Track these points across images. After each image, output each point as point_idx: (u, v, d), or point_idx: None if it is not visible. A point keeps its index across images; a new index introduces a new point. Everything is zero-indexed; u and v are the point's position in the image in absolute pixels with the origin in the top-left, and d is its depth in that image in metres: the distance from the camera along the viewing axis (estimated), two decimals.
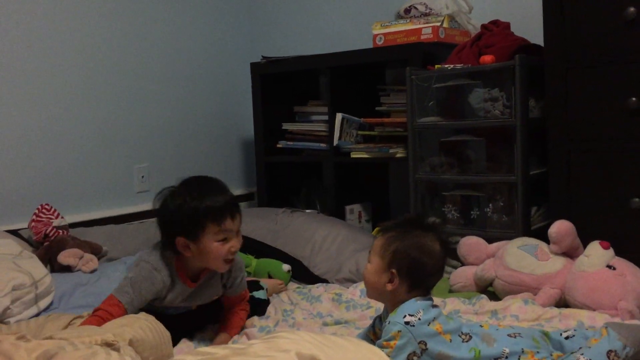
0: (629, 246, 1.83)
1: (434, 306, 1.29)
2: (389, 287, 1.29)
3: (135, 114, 2.83)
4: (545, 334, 1.31)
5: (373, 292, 1.34)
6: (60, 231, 2.23)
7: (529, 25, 2.31)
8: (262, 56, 2.94)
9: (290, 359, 0.91)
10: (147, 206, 2.83)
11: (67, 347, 1.05)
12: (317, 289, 2.04)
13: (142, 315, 1.33)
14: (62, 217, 2.30)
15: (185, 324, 1.63)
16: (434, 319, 1.25)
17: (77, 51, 2.61)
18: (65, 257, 2.08)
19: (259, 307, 1.81)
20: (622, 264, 1.71)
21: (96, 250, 2.22)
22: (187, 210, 1.49)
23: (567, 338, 1.29)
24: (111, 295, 1.50)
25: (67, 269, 2.07)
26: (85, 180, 2.64)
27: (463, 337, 1.25)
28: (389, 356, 1.21)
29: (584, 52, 1.94)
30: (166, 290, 1.55)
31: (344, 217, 2.69)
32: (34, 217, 2.26)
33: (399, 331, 1.22)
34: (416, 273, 1.29)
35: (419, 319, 1.24)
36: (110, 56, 2.73)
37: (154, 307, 1.56)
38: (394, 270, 1.28)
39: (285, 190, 2.99)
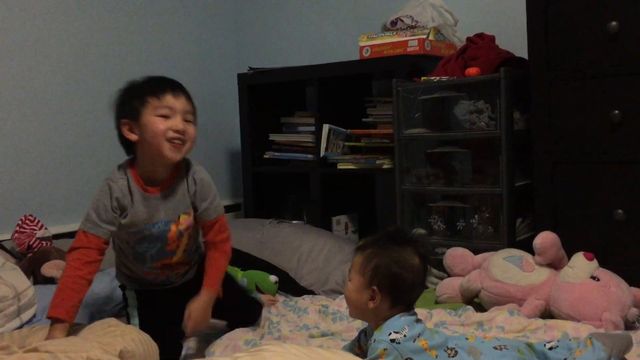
0: (613, 257, 1.85)
1: (418, 321, 1.29)
2: (371, 304, 1.28)
3: None
4: (530, 346, 1.31)
5: (355, 310, 1.33)
6: (44, 242, 2.21)
7: (514, 38, 2.34)
8: (249, 67, 2.94)
9: None
10: None
11: (61, 357, 1.04)
12: (304, 300, 2.04)
13: (135, 328, 1.31)
14: (45, 228, 2.27)
15: (173, 302, 1.59)
16: (419, 334, 1.25)
17: (61, 61, 2.60)
18: (49, 268, 2.05)
19: (253, 309, 1.78)
20: (606, 275, 1.72)
21: None
22: (128, 88, 1.53)
23: (550, 349, 1.30)
24: (79, 231, 1.50)
25: (51, 280, 2.04)
26: (69, 191, 2.62)
27: (449, 352, 1.25)
28: None
29: (567, 66, 1.96)
30: (127, 201, 1.52)
31: (331, 228, 2.68)
32: (17, 228, 2.23)
33: (385, 349, 1.22)
34: (397, 288, 1.28)
35: (405, 335, 1.23)
36: (96, 66, 2.72)
37: (128, 249, 1.56)
38: (375, 288, 1.28)
39: (272, 201, 2.98)
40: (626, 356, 1.28)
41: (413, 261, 1.30)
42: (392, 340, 1.22)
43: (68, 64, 2.62)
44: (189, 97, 1.55)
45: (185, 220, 1.60)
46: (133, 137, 1.52)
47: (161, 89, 1.49)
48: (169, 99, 1.49)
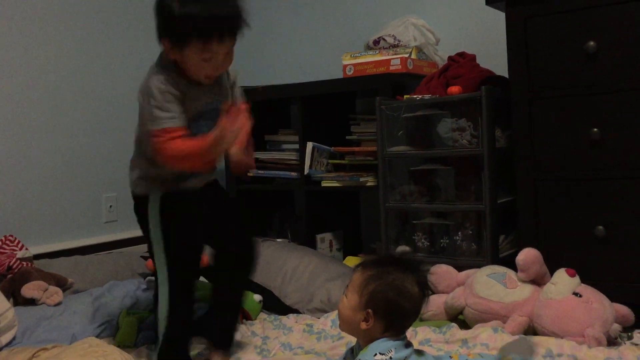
0: (595, 274, 1.87)
1: (407, 345, 1.28)
2: (364, 325, 1.27)
3: (104, 142, 2.80)
4: None
5: (346, 326, 1.32)
6: (24, 263, 2.18)
7: (495, 57, 2.37)
8: None
9: None
10: (115, 236, 2.79)
11: None
12: (288, 319, 2.02)
13: (117, 349, 1.28)
14: (26, 249, 2.24)
15: (195, 210, 1.58)
16: (405, 358, 1.24)
17: (42, 77, 2.58)
18: (29, 289, 2.02)
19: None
20: (588, 291, 1.73)
21: (61, 283, 2.17)
22: (176, 16, 1.41)
23: None
24: (158, 136, 1.45)
25: (31, 302, 2.01)
26: (50, 210, 2.59)
27: None
28: None
29: (547, 84, 1.99)
30: (183, 86, 1.49)
31: (315, 246, 2.68)
32: None
33: None
34: (392, 315, 1.27)
35: (390, 358, 1.23)
36: (78, 83, 2.70)
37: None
38: (369, 311, 1.27)
39: (256, 219, 2.97)
40: None
41: (413, 290, 1.28)
42: None
43: (49, 83, 2.60)
44: (235, 33, 1.49)
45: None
46: (172, 55, 1.48)
47: (208, 33, 1.42)
48: (214, 46, 1.44)
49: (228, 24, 1.46)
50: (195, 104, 1.53)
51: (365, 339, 1.29)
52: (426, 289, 1.31)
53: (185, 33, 1.42)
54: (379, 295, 1.27)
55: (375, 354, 1.23)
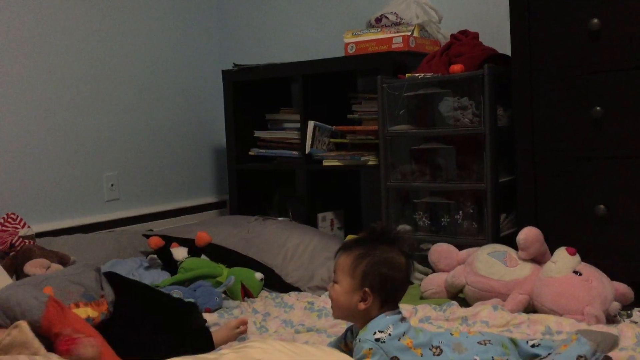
0: (595, 252, 1.88)
1: (403, 320, 1.30)
2: (362, 306, 1.28)
3: (105, 121, 2.79)
4: (513, 341, 1.33)
5: (343, 312, 1.33)
6: (27, 241, 2.18)
7: (497, 35, 2.35)
8: (234, 63, 2.93)
9: None
10: (116, 215, 2.80)
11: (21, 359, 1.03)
12: (290, 297, 2.04)
13: None
14: (28, 227, 2.25)
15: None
16: (404, 333, 1.25)
17: (44, 58, 2.57)
18: (32, 267, 2.03)
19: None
20: (588, 269, 1.74)
21: (64, 260, 2.18)
22: None
23: (532, 346, 1.31)
24: None
25: None
26: (52, 189, 2.59)
27: (434, 350, 1.26)
28: None
29: (550, 62, 1.98)
30: None
31: (316, 225, 2.69)
32: (0, 226, 2.21)
33: (370, 349, 1.22)
34: (387, 288, 1.29)
35: (389, 334, 1.24)
36: (79, 63, 2.69)
37: None
38: (367, 289, 1.28)
39: (257, 198, 2.98)
40: (610, 354, 1.29)
41: (400, 260, 1.31)
42: (377, 340, 1.23)
43: (50, 62, 2.59)
44: None
45: None
46: None
47: None
48: None
49: None
50: None
51: (363, 320, 1.29)
52: (410, 257, 1.34)
53: None
54: (371, 272, 1.28)
55: (375, 332, 1.24)
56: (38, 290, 1.53)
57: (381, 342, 1.23)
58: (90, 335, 1.41)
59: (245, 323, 1.72)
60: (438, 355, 1.25)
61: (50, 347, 1.34)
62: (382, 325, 1.26)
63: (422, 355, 1.24)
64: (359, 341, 1.25)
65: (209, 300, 1.94)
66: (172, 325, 1.61)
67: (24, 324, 1.20)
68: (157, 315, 1.63)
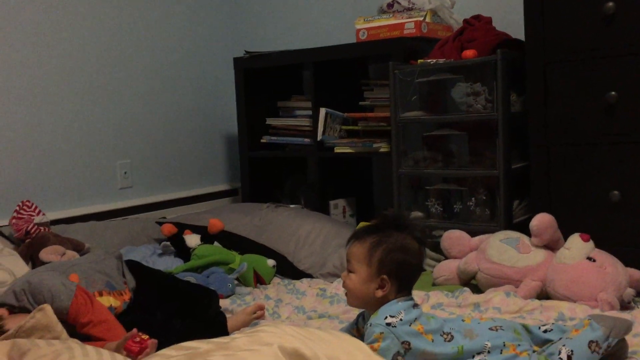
0: (609, 238, 1.86)
1: (415, 306, 1.30)
2: (380, 293, 1.29)
3: (117, 109, 2.80)
4: (526, 327, 1.32)
5: (359, 300, 1.33)
6: (42, 228, 2.21)
7: (511, 20, 2.33)
8: (245, 51, 2.93)
9: (272, 353, 0.91)
10: (129, 202, 2.82)
11: (41, 343, 1.05)
12: (302, 284, 2.05)
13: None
14: (43, 214, 2.27)
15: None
16: (415, 319, 1.26)
17: (56, 47, 2.58)
18: (47, 254, 2.06)
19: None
20: (602, 255, 1.73)
21: (78, 247, 2.20)
22: None
23: (545, 332, 1.31)
24: None
25: None
26: (67, 177, 2.61)
27: (445, 336, 1.26)
28: None
29: (564, 47, 1.96)
30: None
31: (328, 212, 2.69)
32: (15, 214, 2.23)
33: (381, 333, 1.23)
34: (404, 275, 1.30)
35: (401, 319, 1.24)
36: (91, 52, 2.70)
37: None
38: (384, 276, 1.28)
39: (269, 185, 2.98)
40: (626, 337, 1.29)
41: (414, 245, 1.31)
42: (388, 324, 1.24)
43: (63, 50, 2.60)
44: None
45: None
46: None
47: None
48: None
49: None
50: None
51: (379, 306, 1.30)
52: (423, 242, 1.34)
53: None
54: (388, 259, 1.29)
55: (386, 317, 1.25)
56: (65, 277, 1.56)
57: (392, 326, 1.23)
58: (115, 326, 1.44)
59: (262, 308, 1.75)
60: (449, 341, 1.25)
61: (72, 332, 1.36)
62: (394, 310, 1.26)
63: (433, 341, 1.24)
64: (370, 325, 1.26)
65: (221, 287, 1.95)
66: (187, 312, 1.63)
67: (48, 308, 1.22)
68: (173, 302, 1.65)
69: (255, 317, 1.72)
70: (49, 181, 2.55)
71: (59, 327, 1.23)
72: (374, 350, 1.21)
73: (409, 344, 1.23)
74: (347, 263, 1.34)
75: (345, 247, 2.16)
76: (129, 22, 2.85)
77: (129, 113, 2.85)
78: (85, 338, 1.41)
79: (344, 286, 1.35)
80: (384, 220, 1.37)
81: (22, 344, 1.05)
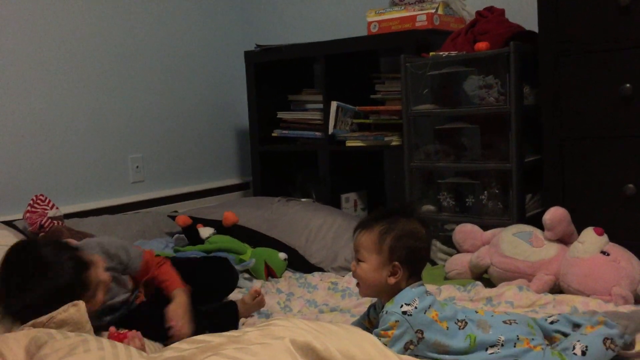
0: (623, 232, 1.84)
1: (427, 293, 1.30)
2: (392, 280, 1.29)
3: (129, 103, 2.81)
4: (533, 320, 1.31)
5: (372, 289, 1.33)
6: (55, 222, 2.22)
7: (524, 11, 2.30)
8: (256, 44, 2.93)
9: (284, 346, 0.91)
10: (142, 196, 2.84)
11: (57, 336, 1.05)
12: (313, 277, 2.05)
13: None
14: (56, 208, 2.29)
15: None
16: (430, 306, 1.26)
17: (68, 40, 2.59)
18: None
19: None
20: (616, 249, 1.71)
21: None
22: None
23: (551, 323, 1.30)
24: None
25: None
26: (79, 171, 2.63)
27: (459, 324, 1.26)
28: (385, 345, 1.21)
29: (578, 39, 1.93)
30: None
31: (340, 206, 2.69)
32: (29, 208, 2.25)
33: (397, 321, 1.23)
34: (414, 260, 1.30)
35: (416, 307, 1.25)
36: (104, 45, 2.71)
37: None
38: (396, 263, 1.29)
39: (280, 179, 2.99)
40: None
41: (422, 231, 1.33)
42: (404, 313, 1.24)
43: (75, 45, 2.61)
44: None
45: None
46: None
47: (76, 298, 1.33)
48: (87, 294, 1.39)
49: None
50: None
51: (391, 294, 1.30)
52: (428, 227, 1.35)
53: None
54: (398, 246, 1.29)
55: (402, 305, 1.25)
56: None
57: (408, 314, 1.24)
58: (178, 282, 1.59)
59: (258, 292, 1.75)
60: (462, 328, 1.25)
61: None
62: (409, 297, 1.26)
63: (447, 328, 1.24)
64: (386, 313, 1.26)
65: None
66: (202, 299, 1.64)
67: (82, 305, 1.23)
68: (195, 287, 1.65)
69: (257, 301, 1.74)
70: (62, 175, 2.57)
71: (88, 326, 1.25)
72: (387, 337, 1.22)
73: (422, 333, 1.23)
74: (355, 253, 1.35)
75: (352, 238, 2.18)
76: (141, 15, 2.86)
77: (141, 107, 2.86)
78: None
79: (354, 276, 1.35)
80: (391, 209, 1.38)
81: (39, 337, 1.06)
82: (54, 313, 1.21)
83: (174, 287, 1.58)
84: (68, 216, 2.39)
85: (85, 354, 1.02)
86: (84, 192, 2.64)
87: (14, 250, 1.37)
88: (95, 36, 2.68)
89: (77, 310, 1.22)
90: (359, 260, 1.33)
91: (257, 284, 2.02)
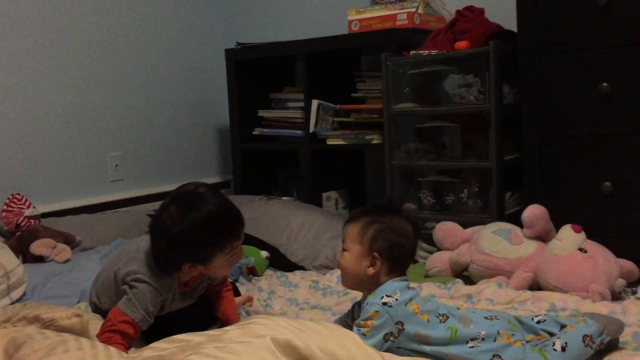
0: (600, 229, 1.87)
1: (410, 287, 1.31)
2: (371, 271, 1.30)
3: (108, 101, 2.78)
4: (518, 319, 1.33)
5: (352, 279, 1.35)
6: (32, 221, 2.19)
7: (503, 11, 2.32)
8: (237, 42, 2.91)
9: (265, 344, 0.90)
10: (121, 195, 2.81)
11: (37, 336, 1.04)
12: (294, 276, 2.04)
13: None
14: (33, 207, 2.26)
15: (180, 323, 1.53)
16: (411, 299, 1.27)
17: (47, 39, 2.55)
18: (38, 247, 2.05)
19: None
20: (593, 247, 1.74)
21: (69, 240, 2.19)
22: (195, 239, 1.36)
23: (538, 322, 1.32)
24: (125, 317, 1.36)
25: (40, 259, 2.04)
26: (57, 169, 2.59)
27: (440, 317, 1.27)
28: (364, 335, 1.22)
29: (557, 38, 1.95)
30: (169, 300, 1.47)
31: (321, 204, 2.69)
32: (5, 207, 2.21)
33: (377, 311, 1.24)
34: (395, 254, 1.31)
35: (397, 299, 1.26)
36: (82, 43, 2.67)
37: None
38: (375, 254, 1.30)
39: (261, 177, 2.98)
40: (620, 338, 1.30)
41: (408, 228, 1.34)
42: (385, 304, 1.25)
43: (53, 42, 2.57)
44: (244, 224, 1.48)
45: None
46: (194, 272, 1.43)
47: (232, 235, 1.40)
48: (237, 242, 1.43)
49: (240, 216, 1.44)
50: (172, 308, 1.50)
51: (371, 286, 1.31)
52: (417, 227, 1.37)
53: (211, 247, 1.38)
54: (380, 237, 1.31)
55: (383, 297, 1.26)
56: None
57: (388, 306, 1.25)
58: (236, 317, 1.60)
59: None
60: (444, 322, 1.26)
61: None
62: (390, 290, 1.28)
63: (428, 321, 1.25)
64: (367, 304, 1.27)
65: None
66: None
67: (86, 318, 1.21)
68: None
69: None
70: (39, 174, 2.53)
71: (89, 336, 1.23)
72: (367, 327, 1.23)
73: (403, 325, 1.23)
74: (342, 243, 1.37)
75: (337, 239, 2.17)
76: (120, 13, 2.82)
77: (121, 105, 2.83)
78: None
79: (338, 266, 1.37)
80: (380, 204, 1.39)
81: (17, 338, 1.05)
82: (57, 316, 1.20)
83: (231, 318, 1.57)
84: (45, 215, 2.36)
85: (64, 354, 1.00)
86: (62, 191, 2.60)
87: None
88: (74, 32, 2.65)
89: (80, 322, 1.20)
90: (344, 250, 1.35)
91: (240, 285, 1.99)
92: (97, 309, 1.57)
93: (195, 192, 1.41)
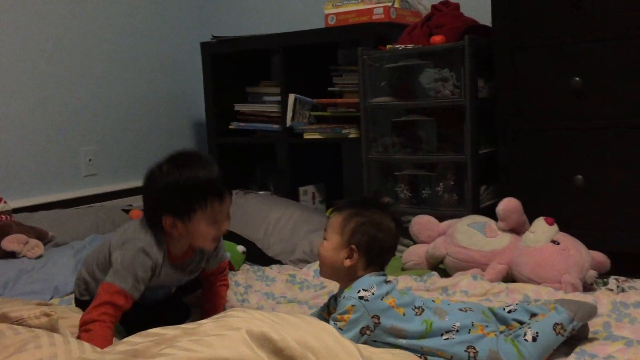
0: (573, 222, 1.90)
1: (387, 282, 1.31)
2: (347, 262, 1.31)
3: (81, 94, 2.74)
4: (490, 310, 1.34)
5: (329, 269, 1.35)
6: (4, 217, 2.16)
7: (478, 6, 2.34)
8: (213, 35, 2.89)
9: (240, 337, 0.90)
10: (94, 190, 2.77)
11: (7, 332, 1.02)
12: (271, 270, 2.04)
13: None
14: (5, 202, 2.22)
15: (167, 311, 1.56)
16: (387, 293, 1.27)
17: (15, 31, 2.50)
18: (9, 242, 2.01)
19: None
20: (565, 239, 1.76)
21: (42, 236, 2.16)
22: (176, 188, 1.39)
23: (509, 312, 1.33)
24: (114, 287, 1.35)
25: (12, 255, 2.00)
26: (29, 164, 2.55)
27: (416, 310, 1.27)
28: (341, 329, 1.22)
29: (531, 33, 1.98)
30: (158, 270, 1.45)
31: (298, 199, 2.68)
32: None
33: (353, 305, 1.24)
34: (374, 250, 1.31)
35: (373, 293, 1.26)
36: (54, 35, 2.63)
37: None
38: (353, 246, 1.30)
39: (238, 172, 2.96)
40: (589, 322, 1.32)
41: (390, 225, 1.34)
42: (361, 298, 1.25)
43: (22, 34, 2.53)
44: (231, 193, 1.49)
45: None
46: (175, 232, 1.43)
47: (213, 194, 1.41)
48: (217, 206, 1.42)
49: (221, 183, 1.45)
50: (162, 280, 1.49)
51: (347, 279, 1.31)
52: (400, 225, 1.37)
53: (189, 203, 1.39)
54: (360, 231, 1.31)
55: (359, 290, 1.26)
56: None
57: (364, 300, 1.25)
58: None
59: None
60: (420, 315, 1.27)
61: None
62: (367, 284, 1.28)
63: (404, 314, 1.26)
64: (343, 298, 1.27)
65: None
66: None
67: (55, 316, 1.18)
68: None
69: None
70: (10, 168, 2.48)
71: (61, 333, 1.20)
72: (343, 321, 1.23)
73: (379, 319, 1.24)
74: (324, 232, 1.37)
75: (314, 233, 2.17)
76: (92, 5, 2.78)
77: (94, 99, 2.79)
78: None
79: (317, 254, 1.38)
80: (366, 199, 1.41)
81: None
82: (25, 315, 1.17)
83: (217, 311, 1.54)
84: (17, 211, 2.32)
85: (36, 350, 0.98)
86: (34, 186, 2.56)
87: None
88: (45, 25, 2.60)
89: (49, 321, 1.18)
90: (324, 239, 1.35)
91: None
92: (86, 290, 1.54)
93: (192, 153, 1.50)
